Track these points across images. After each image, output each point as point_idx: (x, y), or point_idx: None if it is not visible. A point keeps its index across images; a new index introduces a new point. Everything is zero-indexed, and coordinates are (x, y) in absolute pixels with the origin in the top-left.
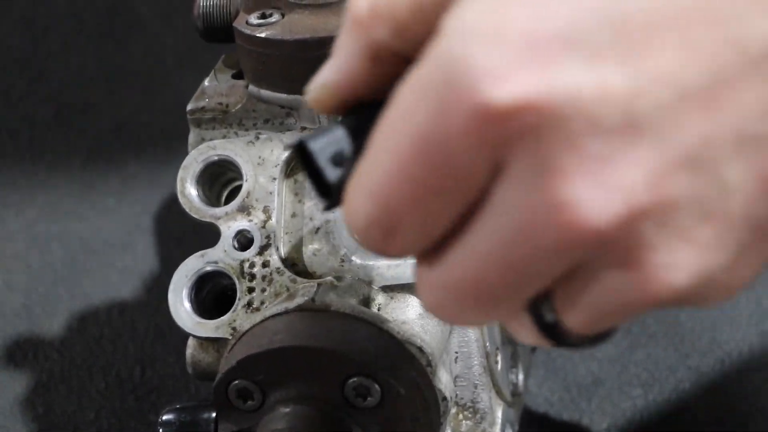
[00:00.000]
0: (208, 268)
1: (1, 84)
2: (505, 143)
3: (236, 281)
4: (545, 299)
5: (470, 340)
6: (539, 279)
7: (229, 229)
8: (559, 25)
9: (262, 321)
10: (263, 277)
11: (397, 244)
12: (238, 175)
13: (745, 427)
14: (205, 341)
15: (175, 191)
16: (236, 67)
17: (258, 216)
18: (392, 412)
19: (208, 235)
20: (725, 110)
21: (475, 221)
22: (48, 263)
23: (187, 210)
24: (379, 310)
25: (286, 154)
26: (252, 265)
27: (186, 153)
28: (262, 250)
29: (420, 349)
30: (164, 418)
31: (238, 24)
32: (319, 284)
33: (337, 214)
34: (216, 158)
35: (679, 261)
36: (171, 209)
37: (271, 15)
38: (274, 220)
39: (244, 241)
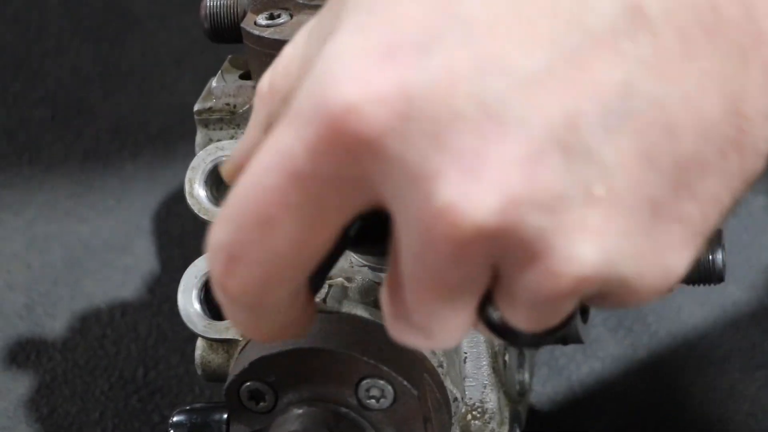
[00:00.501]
0: None
1: None
2: (367, 152)
3: None
4: (487, 300)
5: (479, 340)
6: (467, 284)
7: None
8: (412, 30)
9: None
10: None
11: (238, 274)
12: None
13: (749, 427)
14: (214, 342)
15: (174, 191)
16: (243, 68)
17: None
18: (405, 412)
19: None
20: (582, 89)
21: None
22: (48, 263)
23: (196, 211)
24: None
25: None
26: None
27: (188, 153)
28: None
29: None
30: (175, 419)
31: (247, 25)
32: (330, 286)
33: None
34: (225, 159)
35: (578, 249)
36: (170, 209)
37: (279, 16)
38: None
39: None
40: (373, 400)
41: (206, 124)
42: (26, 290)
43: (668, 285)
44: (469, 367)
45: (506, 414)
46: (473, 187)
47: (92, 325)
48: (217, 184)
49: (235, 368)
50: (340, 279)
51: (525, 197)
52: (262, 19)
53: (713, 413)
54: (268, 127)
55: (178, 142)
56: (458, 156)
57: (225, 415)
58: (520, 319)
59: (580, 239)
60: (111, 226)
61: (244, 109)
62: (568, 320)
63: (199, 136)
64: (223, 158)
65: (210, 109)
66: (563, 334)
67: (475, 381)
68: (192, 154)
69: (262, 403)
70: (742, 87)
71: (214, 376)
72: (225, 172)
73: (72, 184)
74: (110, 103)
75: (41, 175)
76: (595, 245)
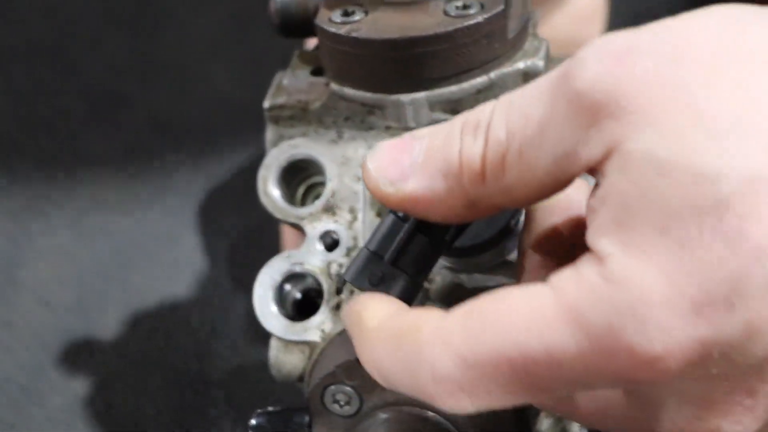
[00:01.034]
0: (296, 269)
1: (32, 78)
2: (649, 383)
3: (323, 283)
4: None
5: None
6: None
7: (314, 229)
8: (718, 281)
9: None
10: None
11: (458, 401)
12: (316, 173)
13: None
14: (290, 343)
15: (218, 182)
16: (313, 63)
17: (344, 216)
18: (489, 415)
19: (253, 227)
20: None
21: None
22: (96, 257)
23: (270, 209)
24: None
25: None
26: (340, 266)
27: (230, 144)
28: (349, 251)
29: None
30: (254, 422)
31: (322, 22)
32: None
33: None
34: (299, 157)
35: None
36: (215, 201)
37: (353, 13)
38: (360, 220)
39: (329, 241)
40: None
41: (277, 121)
42: (76, 285)
43: None
44: None
45: None
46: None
47: (143, 319)
48: (287, 181)
49: (318, 371)
50: None
51: None
52: (336, 16)
53: None
54: (469, 205)
55: (218, 133)
56: (738, 393)
57: (307, 418)
58: None
59: None
60: (156, 219)
61: (316, 105)
62: None
63: (270, 133)
64: (298, 156)
65: (282, 106)
66: None
67: None
68: (233, 145)
69: (346, 407)
70: None
71: (289, 376)
72: (385, 192)
73: (115, 178)
74: (147, 95)
75: (84, 168)
76: None
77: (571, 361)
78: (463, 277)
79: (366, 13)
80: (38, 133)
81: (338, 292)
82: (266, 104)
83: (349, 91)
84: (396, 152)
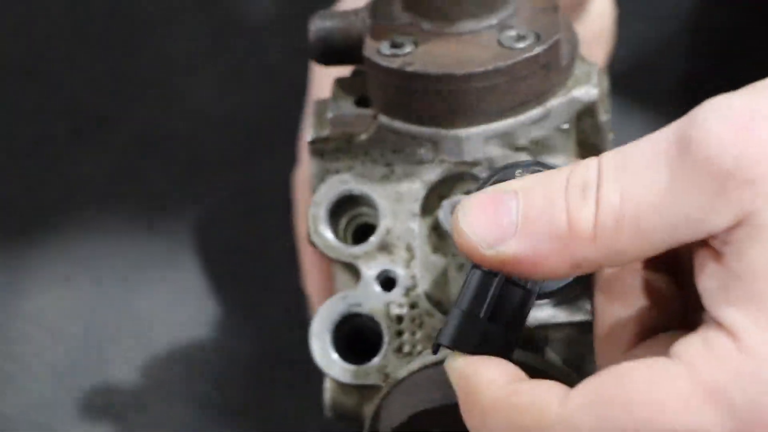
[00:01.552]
0: (354, 311)
1: (11, 97)
2: None
3: (382, 324)
4: None
5: None
6: None
7: (370, 269)
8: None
9: (422, 369)
10: (412, 320)
11: None
12: (362, 205)
13: None
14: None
15: (209, 202)
16: (355, 92)
17: (400, 254)
18: None
19: (254, 248)
20: None
21: None
22: (97, 285)
23: (321, 249)
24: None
25: (424, 190)
26: (399, 307)
27: (218, 161)
28: (408, 290)
29: None
30: None
31: (371, 54)
32: None
33: None
34: (351, 193)
35: None
36: (210, 221)
37: (402, 45)
38: (417, 258)
39: (386, 281)
40: None
41: (321, 154)
42: (82, 314)
43: None
44: None
45: None
46: None
47: (157, 345)
48: (337, 218)
49: (387, 418)
50: None
51: None
52: (385, 48)
53: None
54: (575, 267)
55: (206, 150)
56: None
57: None
58: None
59: None
60: (153, 241)
61: (362, 138)
62: None
63: (315, 167)
64: (349, 193)
65: (326, 138)
66: None
67: None
68: (221, 162)
69: None
70: None
71: (345, 416)
72: (486, 255)
73: (105, 202)
74: (129, 113)
75: (71, 192)
76: None
77: None
78: (539, 316)
79: (416, 44)
80: (20, 159)
81: (434, 353)
82: (309, 137)
83: (400, 125)
84: (490, 211)
